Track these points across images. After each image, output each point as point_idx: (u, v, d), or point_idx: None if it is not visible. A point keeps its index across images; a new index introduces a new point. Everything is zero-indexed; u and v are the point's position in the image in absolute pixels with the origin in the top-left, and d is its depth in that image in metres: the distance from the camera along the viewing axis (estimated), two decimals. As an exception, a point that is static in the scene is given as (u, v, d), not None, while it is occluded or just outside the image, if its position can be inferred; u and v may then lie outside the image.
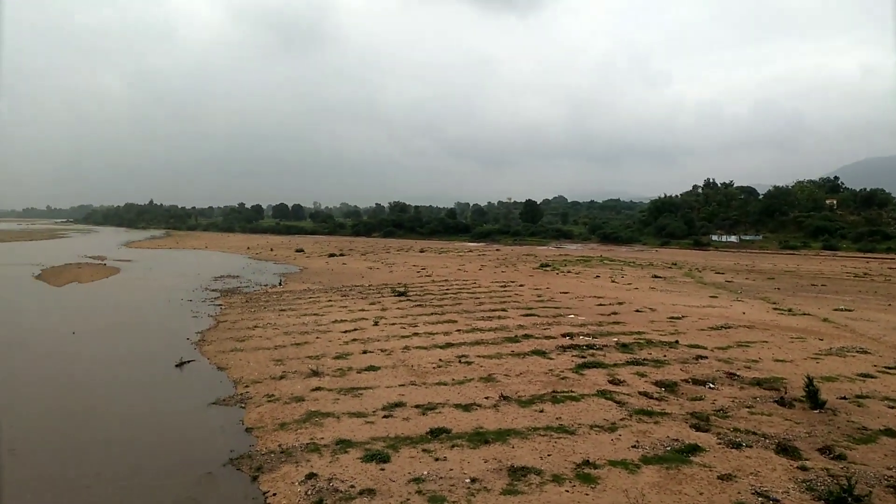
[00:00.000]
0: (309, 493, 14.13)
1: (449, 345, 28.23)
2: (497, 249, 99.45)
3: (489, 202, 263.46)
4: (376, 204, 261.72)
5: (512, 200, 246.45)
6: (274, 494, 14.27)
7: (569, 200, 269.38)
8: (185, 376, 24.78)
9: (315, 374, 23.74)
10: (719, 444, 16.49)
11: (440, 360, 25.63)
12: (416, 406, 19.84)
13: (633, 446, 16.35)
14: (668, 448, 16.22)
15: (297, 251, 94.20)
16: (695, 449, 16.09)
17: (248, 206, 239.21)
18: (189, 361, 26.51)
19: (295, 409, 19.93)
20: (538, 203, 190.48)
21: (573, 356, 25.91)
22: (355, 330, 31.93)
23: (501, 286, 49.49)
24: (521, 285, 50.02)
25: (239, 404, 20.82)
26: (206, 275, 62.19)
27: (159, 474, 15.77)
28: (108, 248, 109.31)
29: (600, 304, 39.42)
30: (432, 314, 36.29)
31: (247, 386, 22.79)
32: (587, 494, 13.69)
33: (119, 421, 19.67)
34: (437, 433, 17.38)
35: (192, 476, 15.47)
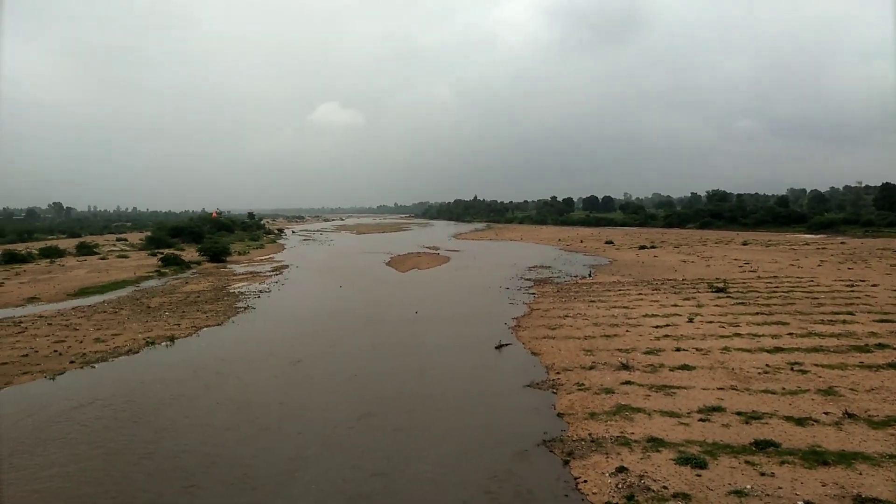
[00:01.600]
0: (620, 486, 14.10)
1: (778, 349, 25.26)
2: (842, 242, 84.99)
3: (831, 187, 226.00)
4: (691, 193, 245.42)
5: (863, 185, 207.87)
6: (585, 481, 14.58)
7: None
8: (503, 358, 26.75)
9: (625, 367, 23.48)
10: None
11: (767, 365, 23.10)
12: (738, 413, 18.25)
13: None
14: None
15: (607, 243, 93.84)
16: None
17: (559, 199, 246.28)
18: (506, 345, 28.54)
19: (605, 400, 20.02)
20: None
21: (949, 375, 20.95)
22: (667, 326, 30.64)
23: (847, 286, 42.26)
24: (874, 285, 42.05)
25: (551, 389, 21.72)
26: (520, 265, 66.00)
27: (482, 444, 17.35)
28: (440, 239, 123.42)
29: None
30: (757, 314, 32.83)
31: (558, 373, 23.64)
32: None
33: (451, 393, 22.17)
34: (762, 445, 15.76)
35: (509, 450, 16.69)
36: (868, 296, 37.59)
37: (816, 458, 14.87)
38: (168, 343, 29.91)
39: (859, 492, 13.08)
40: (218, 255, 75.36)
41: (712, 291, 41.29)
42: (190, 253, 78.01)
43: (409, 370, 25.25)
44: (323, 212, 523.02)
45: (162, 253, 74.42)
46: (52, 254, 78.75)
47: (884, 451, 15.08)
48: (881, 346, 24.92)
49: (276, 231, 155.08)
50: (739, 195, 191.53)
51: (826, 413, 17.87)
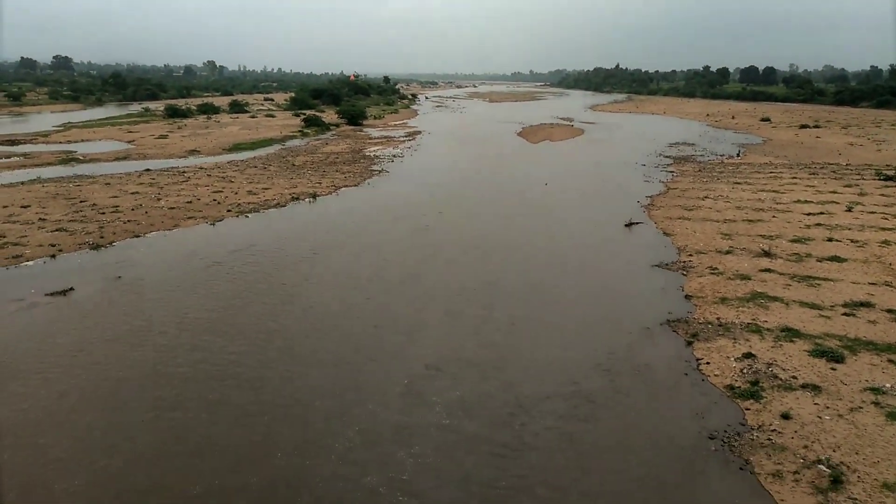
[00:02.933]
0: (745, 371, 13.82)
1: (951, 247, 22.59)
2: None
3: None
4: (871, 67, 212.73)
5: None
6: (707, 363, 14.42)
7: None
8: (632, 236, 26.14)
9: (766, 254, 22.16)
10: None
11: (934, 263, 20.86)
12: (889, 310, 16.89)
13: None
14: None
15: (762, 120, 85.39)
16: None
17: (712, 69, 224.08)
18: (637, 223, 27.73)
19: (738, 286, 19.22)
20: None
21: None
22: (821, 214, 28.17)
23: None
24: None
25: (680, 271, 21.11)
26: (661, 140, 62.28)
27: (604, 318, 17.52)
28: (576, 110, 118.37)
29: None
30: (932, 207, 29.22)
31: (690, 255, 22.81)
32: None
33: (576, 268, 22.25)
34: (912, 346, 14.63)
35: (631, 327, 16.70)
36: None
37: (977, 365, 13.62)
38: (311, 200, 32.02)
39: None
40: (355, 119, 77.53)
41: (880, 179, 37.02)
42: (329, 115, 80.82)
43: (536, 241, 25.43)
44: (456, 78, 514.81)
45: (304, 114, 77.76)
46: (208, 110, 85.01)
47: None
48: None
49: (409, 96, 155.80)
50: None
51: None
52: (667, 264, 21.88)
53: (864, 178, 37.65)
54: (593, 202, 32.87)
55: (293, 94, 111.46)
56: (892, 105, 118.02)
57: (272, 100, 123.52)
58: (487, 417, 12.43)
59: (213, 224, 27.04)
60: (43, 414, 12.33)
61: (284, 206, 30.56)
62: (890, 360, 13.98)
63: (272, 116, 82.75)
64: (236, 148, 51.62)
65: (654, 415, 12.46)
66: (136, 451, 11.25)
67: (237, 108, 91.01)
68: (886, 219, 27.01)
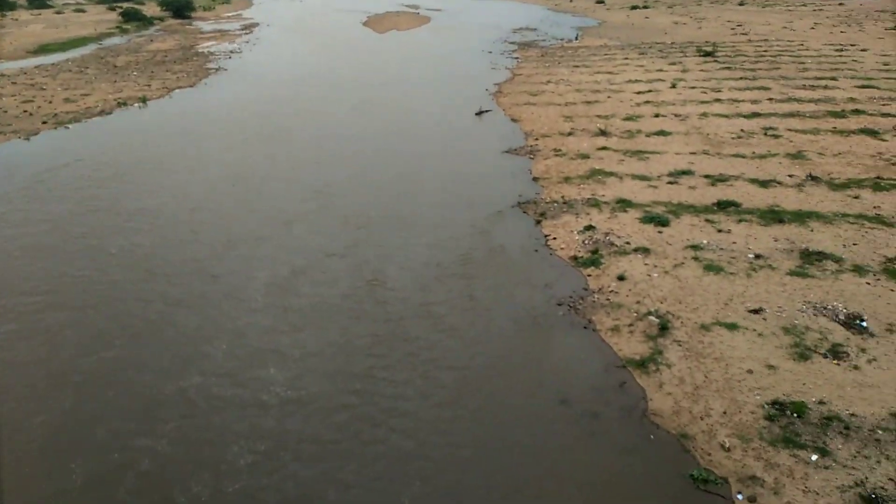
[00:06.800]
0: (586, 242, 15.15)
1: (755, 115, 25.39)
2: (840, 3, 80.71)
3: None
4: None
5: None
6: (554, 238, 15.61)
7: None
8: (482, 125, 26.70)
9: (602, 133, 23.71)
10: None
11: (742, 130, 23.45)
12: (705, 176, 18.99)
13: (968, 253, 13.87)
14: None
15: (598, 2, 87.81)
16: None
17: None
18: (487, 111, 28.27)
19: (580, 165, 20.56)
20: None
21: (916, 141, 21.55)
22: (649, 91, 30.27)
23: (836, 50, 41.08)
24: (863, 50, 40.93)
25: (528, 155, 22.12)
26: (505, 26, 62.43)
27: (460, 205, 18.10)
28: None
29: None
30: (741, 79, 32.34)
31: (536, 139, 23.86)
32: (893, 291, 12.40)
33: (428, 158, 22.49)
34: (724, 205, 16.70)
35: (485, 211, 17.49)
36: (855, 61, 36.86)
37: (773, 216, 15.89)
38: (140, 104, 29.21)
39: (808, 246, 14.24)
40: (181, 11, 69.86)
41: (700, 55, 40.09)
42: (151, 7, 72.05)
43: (388, 135, 25.19)
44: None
45: (121, 7, 68.73)
46: (2, 6, 72.33)
47: (837, 211, 16.12)
48: (857, 112, 25.14)
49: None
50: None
51: (790, 176, 18.67)
52: (515, 149, 22.80)
53: (686, 56, 40.55)
54: (443, 92, 32.85)
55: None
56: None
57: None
58: (351, 298, 12.77)
59: (28, 139, 24.06)
60: None
61: (110, 113, 27.68)
62: (707, 220, 15.91)
63: (83, 11, 72.37)
64: (43, 50, 45.02)
65: (508, 289, 13.45)
66: None
67: (38, 1, 78.40)
68: (705, 93, 29.59)
